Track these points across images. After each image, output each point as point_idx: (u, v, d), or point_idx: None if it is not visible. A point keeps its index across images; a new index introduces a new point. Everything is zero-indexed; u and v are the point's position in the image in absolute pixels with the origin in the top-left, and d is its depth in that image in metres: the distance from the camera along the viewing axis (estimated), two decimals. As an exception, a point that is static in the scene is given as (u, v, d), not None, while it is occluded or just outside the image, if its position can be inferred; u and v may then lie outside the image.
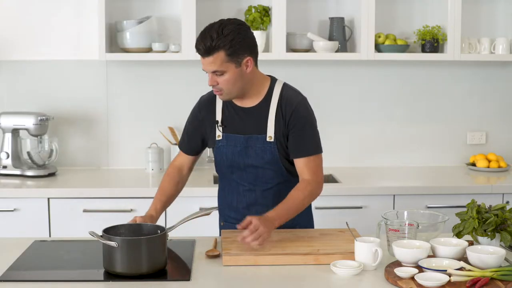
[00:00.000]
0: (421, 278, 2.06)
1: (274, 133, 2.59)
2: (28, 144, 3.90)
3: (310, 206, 2.75)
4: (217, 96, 2.64)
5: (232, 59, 2.45)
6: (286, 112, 2.58)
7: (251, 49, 2.51)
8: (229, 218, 2.75)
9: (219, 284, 2.18)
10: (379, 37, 4.00)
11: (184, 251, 2.43)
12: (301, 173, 2.61)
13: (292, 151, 2.61)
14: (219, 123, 2.64)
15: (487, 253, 2.20)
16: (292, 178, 2.66)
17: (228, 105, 2.65)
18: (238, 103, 2.64)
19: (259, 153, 2.61)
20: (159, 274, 2.21)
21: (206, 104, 2.70)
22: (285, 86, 2.64)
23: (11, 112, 3.92)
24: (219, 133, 2.65)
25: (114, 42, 3.97)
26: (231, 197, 2.72)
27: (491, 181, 3.80)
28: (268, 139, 2.60)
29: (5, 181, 3.77)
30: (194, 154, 2.78)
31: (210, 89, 2.61)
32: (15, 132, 3.90)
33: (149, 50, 3.90)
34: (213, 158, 2.74)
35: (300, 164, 2.60)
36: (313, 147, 2.60)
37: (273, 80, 2.65)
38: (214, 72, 2.47)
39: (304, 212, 2.67)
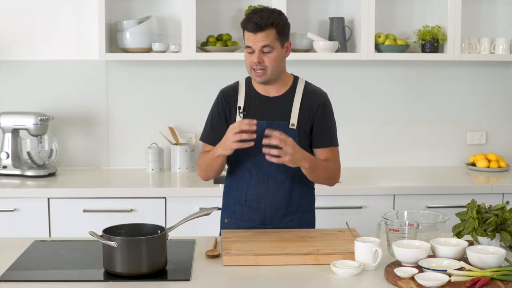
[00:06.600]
0: (421, 278, 2.06)
1: (298, 121, 2.66)
2: (28, 144, 3.90)
3: (314, 206, 2.81)
4: (240, 86, 2.72)
5: (280, 38, 2.60)
6: (313, 102, 2.69)
7: (289, 36, 2.68)
8: (234, 214, 2.76)
9: (219, 284, 2.18)
10: (379, 37, 4.00)
11: (184, 251, 2.43)
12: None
13: (317, 140, 2.69)
14: (241, 110, 2.69)
15: (487, 253, 2.20)
16: (303, 179, 2.70)
17: (251, 94, 2.72)
18: (263, 92, 2.71)
19: None
20: (159, 274, 2.21)
21: (229, 93, 2.75)
22: (308, 82, 2.77)
23: (11, 112, 3.91)
24: (239, 119, 2.66)
25: (114, 42, 3.97)
26: (240, 190, 2.73)
27: (491, 181, 3.80)
28: (290, 126, 2.65)
29: (5, 181, 3.77)
30: None
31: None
32: (15, 132, 3.90)
33: (149, 50, 3.90)
34: None
35: (323, 153, 2.70)
36: (335, 139, 2.75)
37: (296, 76, 2.77)
38: (264, 47, 2.57)
39: (310, 211, 2.76)
